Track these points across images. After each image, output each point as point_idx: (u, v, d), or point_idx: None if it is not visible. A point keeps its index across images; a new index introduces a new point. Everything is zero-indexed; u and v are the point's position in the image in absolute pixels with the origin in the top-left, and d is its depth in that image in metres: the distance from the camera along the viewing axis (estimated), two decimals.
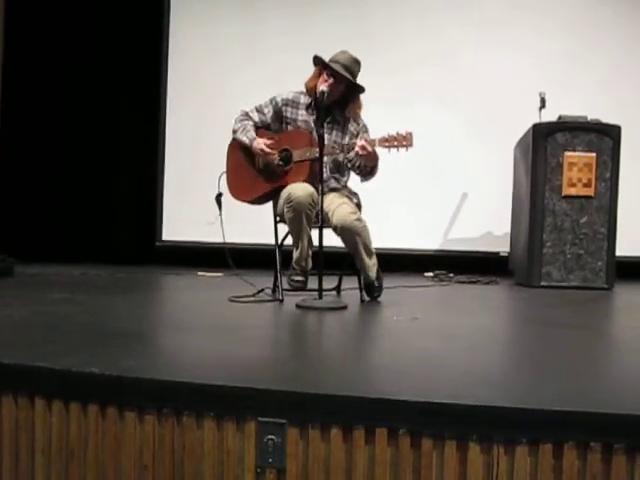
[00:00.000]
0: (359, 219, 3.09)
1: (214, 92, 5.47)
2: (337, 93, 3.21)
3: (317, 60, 3.26)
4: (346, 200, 3.18)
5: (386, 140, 3.03)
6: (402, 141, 3.01)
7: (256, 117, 3.32)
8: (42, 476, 1.59)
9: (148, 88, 5.68)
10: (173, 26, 5.70)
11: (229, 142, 3.39)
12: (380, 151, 3.09)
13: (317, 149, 2.99)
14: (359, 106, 3.29)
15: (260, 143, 3.22)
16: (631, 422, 1.31)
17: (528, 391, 1.52)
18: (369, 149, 3.01)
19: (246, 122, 3.30)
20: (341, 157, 3.27)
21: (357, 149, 3.02)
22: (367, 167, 3.18)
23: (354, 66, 3.21)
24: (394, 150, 3.04)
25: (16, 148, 5.73)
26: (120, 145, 5.73)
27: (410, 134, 3.01)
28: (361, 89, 3.25)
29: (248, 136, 3.26)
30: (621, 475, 1.31)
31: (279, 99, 3.30)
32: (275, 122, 3.32)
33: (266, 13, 5.52)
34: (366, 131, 3.28)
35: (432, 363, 1.83)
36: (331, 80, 3.16)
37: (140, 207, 5.74)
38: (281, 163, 3.22)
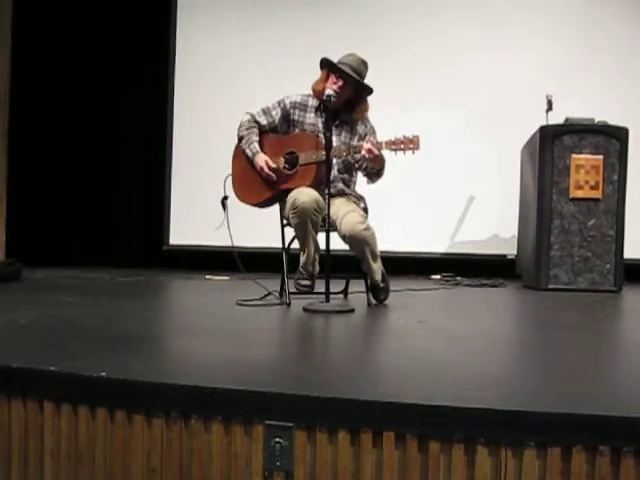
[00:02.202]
0: (367, 228, 3.07)
1: (220, 95, 5.49)
2: (345, 95, 3.20)
3: (324, 63, 3.25)
4: (353, 207, 3.17)
5: (393, 143, 3.02)
6: (409, 144, 3.00)
7: (263, 120, 3.31)
8: (51, 479, 1.60)
9: (154, 91, 5.70)
10: (180, 29, 5.72)
11: (236, 144, 3.39)
12: (387, 154, 3.09)
13: (323, 152, 2.99)
14: (366, 108, 3.29)
15: (262, 160, 3.22)
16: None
17: (536, 394, 1.52)
18: (375, 152, 3.00)
19: (251, 130, 3.29)
20: (350, 158, 3.26)
21: (363, 152, 3.02)
22: (374, 169, 3.18)
23: (362, 68, 3.21)
24: (401, 153, 3.03)
25: (23, 154, 5.76)
26: (126, 149, 5.75)
27: (417, 137, 3.00)
28: (369, 90, 3.25)
29: (251, 148, 3.26)
30: (630, 478, 1.31)
31: (287, 101, 3.29)
32: (283, 124, 3.32)
33: (272, 16, 5.53)
34: (374, 132, 3.28)
35: (439, 366, 1.83)
36: (340, 82, 3.15)
37: (147, 211, 5.75)
38: (287, 167, 3.22)
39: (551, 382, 1.68)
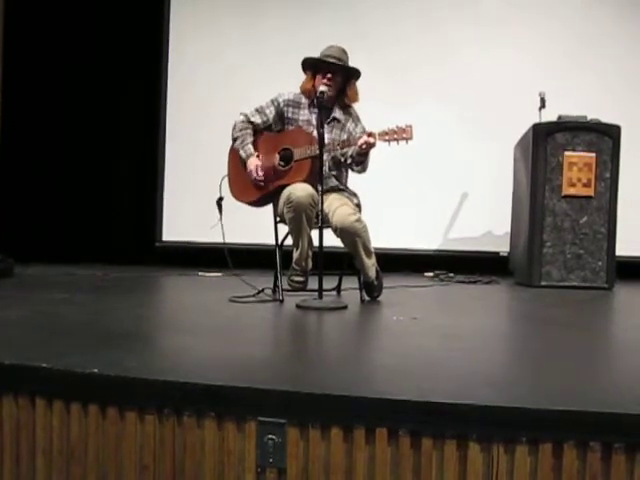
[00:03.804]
0: (359, 220, 3.09)
1: (214, 92, 5.46)
2: (337, 86, 3.23)
3: (308, 63, 3.28)
4: (346, 201, 3.18)
5: (386, 134, 3.01)
6: (402, 134, 2.98)
7: (257, 119, 3.32)
8: (43, 476, 1.60)
9: (148, 88, 5.67)
10: (173, 27, 5.69)
11: (231, 145, 3.40)
12: (380, 146, 3.07)
13: (317, 146, 2.99)
14: (356, 91, 3.30)
15: (253, 164, 3.23)
16: (630, 421, 1.31)
17: (528, 390, 1.52)
18: (371, 141, 3.00)
19: (245, 132, 3.30)
20: (338, 153, 3.25)
21: (360, 142, 3.01)
22: (361, 157, 3.16)
23: (344, 56, 3.26)
24: (394, 143, 3.01)
25: (15, 149, 5.73)
26: (120, 145, 5.73)
27: (410, 127, 2.97)
28: (357, 74, 3.27)
29: (245, 150, 3.28)
30: (621, 474, 1.32)
31: (280, 100, 3.31)
32: (277, 123, 3.33)
33: (266, 14, 5.51)
34: (363, 131, 3.28)
35: (432, 363, 1.83)
36: (329, 75, 3.18)
37: (140, 207, 5.73)
38: (282, 163, 3.23)
39: (543, 379, 1.68)
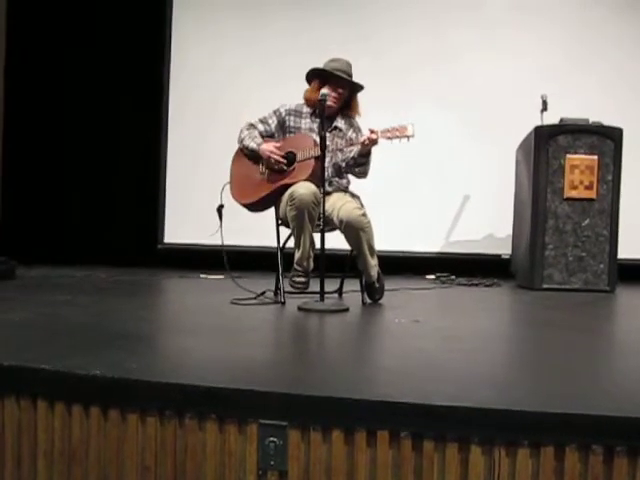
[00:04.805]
0: (364, 215, 3.11)
1: (216, 94, 5.47)
2: (342, 100, 3.29)
3: (316, 73, 3.30)
4: (350, 199, 3.21)
5: (388, 131, 3.05)
6: (404, 131, 3.02)
7: (261, 127, 3.37)
8: (44, 478, 1.60)
9: (150, 91, 5.68)
10: (175, 29, 5.70)
11: (235, 150, 3.41)
12: (381, 147, 3.10)
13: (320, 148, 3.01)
14: (357, 103, 3.36)
15: (269, 146, 3.27)
16: (632, 424, 1.31)
17: (530, 393, 1.52)
18: (374, 137, 3.05)
19: (252, 131, 3.36)
20: (340, 159, 3.27)
21: (364, 138, 3.06)
22: (363, 158, 3.18)
23: (350, 70, 3.31)
24: (397, 141, 3.04)
25: (18, 151, 5.74)
26: (122, 147, 5.73)
27: (412, 124, 3.02)
28: (360, 87, 3.32)
29: (256, 141, 3.31)
30: (622, 477, 1.31)
31: (282, 110, 3.35)
32: (279, 132, 3.37)
33: (269, 16, 5.52)
34: None
35: (434, 365, 1.83)
36: (340, 90, 3.25)
37: (142, 209, 5.73)
38: (285, 167, 3.24)
39: (545, 381, 1.68)
